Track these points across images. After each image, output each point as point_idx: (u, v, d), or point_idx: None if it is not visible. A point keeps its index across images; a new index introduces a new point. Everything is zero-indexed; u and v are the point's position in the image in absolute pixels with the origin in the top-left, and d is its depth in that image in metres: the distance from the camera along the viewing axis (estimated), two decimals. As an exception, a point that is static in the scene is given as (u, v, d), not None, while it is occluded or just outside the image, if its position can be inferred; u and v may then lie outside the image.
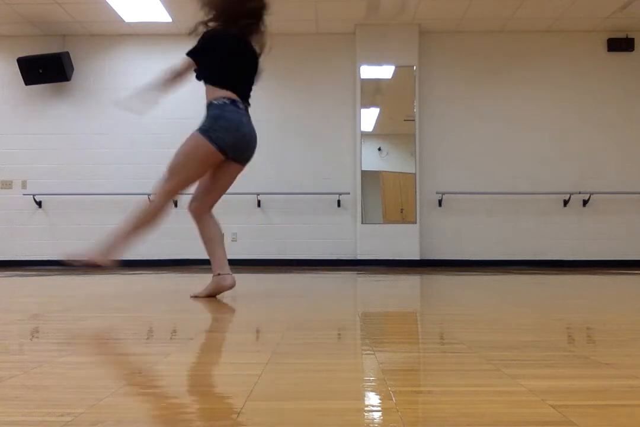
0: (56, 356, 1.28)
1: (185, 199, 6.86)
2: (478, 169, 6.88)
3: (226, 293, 2.93)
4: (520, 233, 6.82)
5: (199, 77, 2.67)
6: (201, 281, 4.15)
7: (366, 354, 1.32)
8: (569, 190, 6.77)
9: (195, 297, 2.74)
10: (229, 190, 6.47)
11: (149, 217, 2.70)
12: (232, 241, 6.81)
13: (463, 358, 1.26)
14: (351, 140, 6.86)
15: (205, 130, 2.57)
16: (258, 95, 6.69)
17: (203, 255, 7.16)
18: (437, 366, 1.21)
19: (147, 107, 2.77)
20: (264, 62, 2.75)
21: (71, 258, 2.53)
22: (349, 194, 6.72)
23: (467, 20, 6.63)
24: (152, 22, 6.69)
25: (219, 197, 2.78)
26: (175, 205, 6.89)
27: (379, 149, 6.85)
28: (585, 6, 6.24)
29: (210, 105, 2.61)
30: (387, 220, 6.71)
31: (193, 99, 7.07)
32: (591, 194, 6.75)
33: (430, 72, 6.94)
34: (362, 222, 6.62)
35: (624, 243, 6.79)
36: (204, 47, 2.60)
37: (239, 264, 6.67)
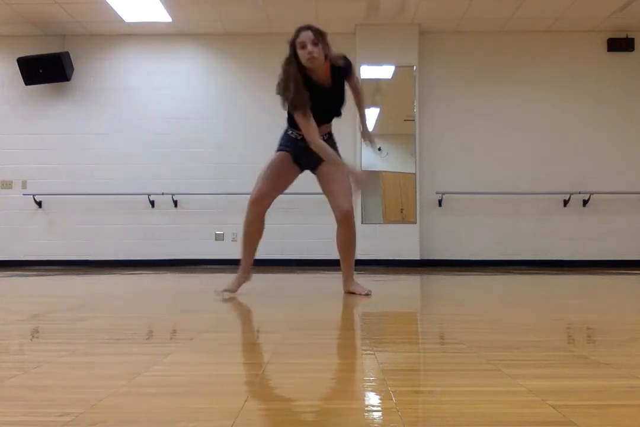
0: (56, 356, 1.28)
1: (183, 198, 6.86)
2: (478, 169, 6.88)
3: (226, 293, 2.93)
4: (520, 233, 6.82)
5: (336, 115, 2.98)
6: (201, 281, 4.15)
7: (366, 354, 1.32)
8: (569, 190, 6.77)
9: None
10: (229, 190, 6.53)
11: (354, 247, 3.02)
12: (232, 240, 6.81)
13: (463, 358, 1.26)
14: (351, 140, 6.86)
15: None
16: (258, 96, 6.72)
17: (202, 255, 7.13)
18: (437, 366, 1.21)
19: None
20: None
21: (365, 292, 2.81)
22: (349, 194, 6.71)
23: (467, 20, 6.62)
24: (152, 22, 6.69)
25: None
26: (175, 205, 6.90)
27: (379, 149, 6.85)
28: (585, 6, 6.24)
29: (332, 135, 3.02)
30: (387, 220, 6.71)
31: (193, 99, 7.08)
32: (591, 194, 6.75)
33: (430, 72, 6.94)
34: (362, 222, 6.61)
35: (624, 243, 6.79)
36: None
37: (239, 264, 6.67)
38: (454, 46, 6.97)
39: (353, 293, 2.86)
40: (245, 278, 2.97)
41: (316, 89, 2.77)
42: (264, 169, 2.92)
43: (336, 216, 2.87)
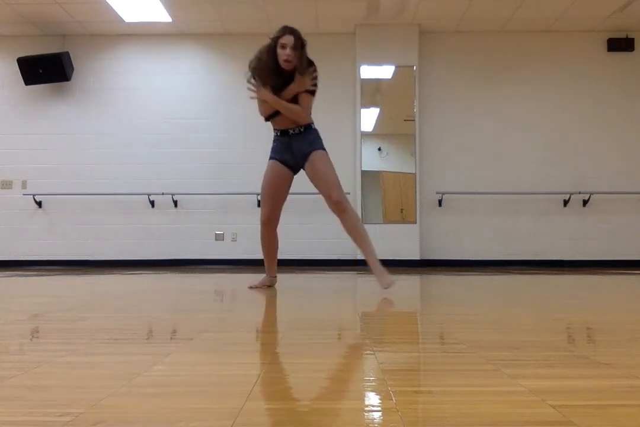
0: (56, 356, 1.28)
1: (183, 198, 6.86)
2: (478, 169, 6.88)
3: (227, 293, 2.94)
4: (520, 233, 6.82)
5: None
6: (201, 281, 4.15)
7: (366, 354, 1.32)
8: (569, 190, 6.77)
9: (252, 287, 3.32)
10: (229, 190, 6.55)
11: (362, 227, 3.15)
12: (232, 240, 6.81)
13: (463, 358, 1.26)
14: (351, 140, 6.87)
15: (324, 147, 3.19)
16: (258, 95, 6.70)
17: (202, 255, 7.12)
18: (437, 366, 1.21)
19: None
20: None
21: (385, 286, 2.98)
22: (349, 194, 6.67)
23: (467, 20, 6.63)
24: (152, 22, 6.70)
25: None
26: (175, 205, 6.90)
27: (379, 149, 6.85)
28: (585, 6, 6.24)
29: (311, 128, 3.17)
30: (387, 220, 6.71)
31: (193, 99, 7.08)
32: (591, 194, 6.75)
33: (430, 72, 6.94)
34: (362, 222, 6.61)
35: (624, 243, 6.79)
36: None
37: (239, 264, 6.67)
38: (454, 46, 6.98)
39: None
40: (269, 281, 3.37)
41: (282, 76, 3.07)
42: (262, 187, 3.20)
43: (330, 207, 3.07)
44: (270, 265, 3.37)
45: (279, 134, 3.17)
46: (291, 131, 3.12)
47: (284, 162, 3.16)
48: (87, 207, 6.91)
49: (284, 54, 2.98)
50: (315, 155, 3.10)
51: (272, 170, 3.18)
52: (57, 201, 6.93)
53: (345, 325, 1.84)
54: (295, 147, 3.13)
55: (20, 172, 6.97)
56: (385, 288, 2.98)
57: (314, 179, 3.12)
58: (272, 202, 3.20)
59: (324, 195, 3.08)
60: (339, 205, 3.04)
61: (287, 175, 3.20)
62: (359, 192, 6.71)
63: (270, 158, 3.20)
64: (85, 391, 0.98)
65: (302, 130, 3.13)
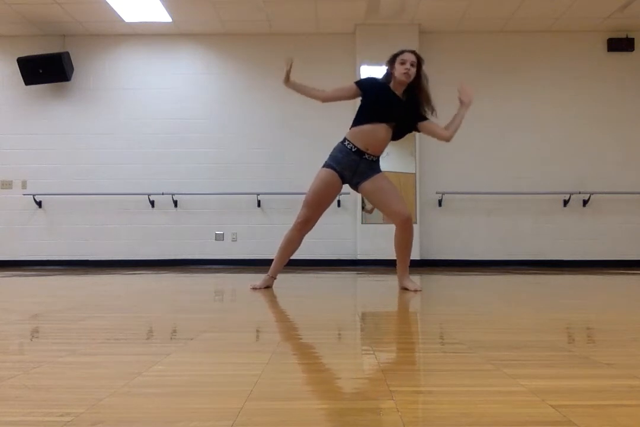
0: (56, 356, 1.28)
1: (183, 198, 6.86)
2: (478, 169, 6.88)
3: (227, 293, 2.94)
4: (520, 233, 6.82)
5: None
6: (201, 281, 4.15)
7: (366, 354, 1.32)
8: (569, 190, 6.77)
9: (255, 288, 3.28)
10: (229, 190, 6.59)
11: (411, 245, 3.27)
12: (232, 240, 6.81)
13: (463, 358, 1.26)
14: (351, 140, 6.85)
15: None
16: (258, 96, 6.72)
17: (202, 255, 7.12)
18: (437, 366, 1.21)
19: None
20: None
21: (415, 288, 3.15)
22: (349, 194, 6.70)
23: (467, 20, 6.62)
24: (152, 22, 6.69)
25: None
26: (175, 205, 6.90)
27: (379, 149, 6.84)
28: (585, 6, 6.24)
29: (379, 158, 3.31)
30: (387, 220, 6.70)
31: (193, 99, 7.08)
32: (591, 194, 6.75)
33: (431, 72, 6.93)
34: (362, 222, 6.61)
35: (624, 243, 6.78)
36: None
37: (239, 264, 6.67)
38: (454, 46, 6.97)
39: (406, 289, 3.16)
40: (270, 282, 3.35)
41: (391, 93, 3.38)
42: (312, 191, 3.19)
43: (397, 223, 3.19)
44: (277, 266, 3.36)
45: (353, 150, 3.15)
46: (366, 156, 3.16)
47: (340, 175, 3.17)
48: (87, 207, 6.91)
49: (403, 68, 3.31)
50: (380, 175, 3.23)
51: (327, 179, 3.17)
52: (57, 201, 6.93)
53: (345, 325, 1.84)
54: (360, 169, 3.17)
55: (20, 172, 6.97)
56: (418, 289, 3.13)
57: (379, 197, 3.21)
58: (316, 207, 3.21)
59: (392, 213, 3.19)
60: (409, 222, 3.17)
61: (338, 186, 3.23)
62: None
63: (328, 166, 3.18)
64: (85, 391, 0.98)
65: (375, 159, 3.21)
